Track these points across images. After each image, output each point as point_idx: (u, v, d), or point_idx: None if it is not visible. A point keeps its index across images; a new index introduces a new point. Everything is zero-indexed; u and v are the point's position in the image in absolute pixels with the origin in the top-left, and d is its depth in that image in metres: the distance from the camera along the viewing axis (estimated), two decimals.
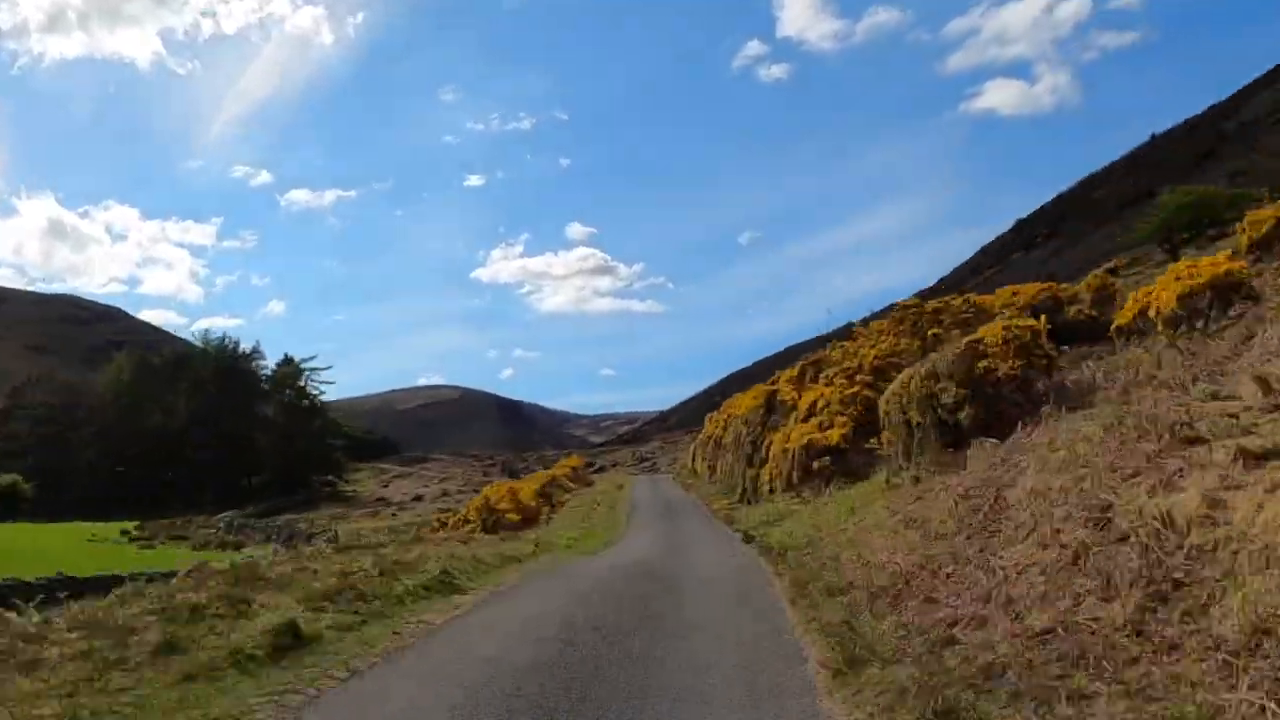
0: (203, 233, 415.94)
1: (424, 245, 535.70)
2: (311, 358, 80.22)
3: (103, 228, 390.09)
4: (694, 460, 38.56)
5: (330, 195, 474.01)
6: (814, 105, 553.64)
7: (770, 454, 22.31)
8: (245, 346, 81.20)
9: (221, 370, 76.66)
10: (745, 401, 30.32)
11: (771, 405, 25.57)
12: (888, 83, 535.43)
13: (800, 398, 22.74)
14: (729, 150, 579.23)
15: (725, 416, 33.43)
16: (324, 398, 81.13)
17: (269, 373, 79.11)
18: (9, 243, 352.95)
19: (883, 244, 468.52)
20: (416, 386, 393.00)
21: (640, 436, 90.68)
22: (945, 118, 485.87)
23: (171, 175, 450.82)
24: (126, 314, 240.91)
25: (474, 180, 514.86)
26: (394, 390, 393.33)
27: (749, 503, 22.75)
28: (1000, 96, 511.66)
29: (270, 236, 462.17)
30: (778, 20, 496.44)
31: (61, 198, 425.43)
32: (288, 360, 77.84)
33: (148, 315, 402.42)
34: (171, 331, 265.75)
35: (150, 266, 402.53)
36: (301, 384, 78.79)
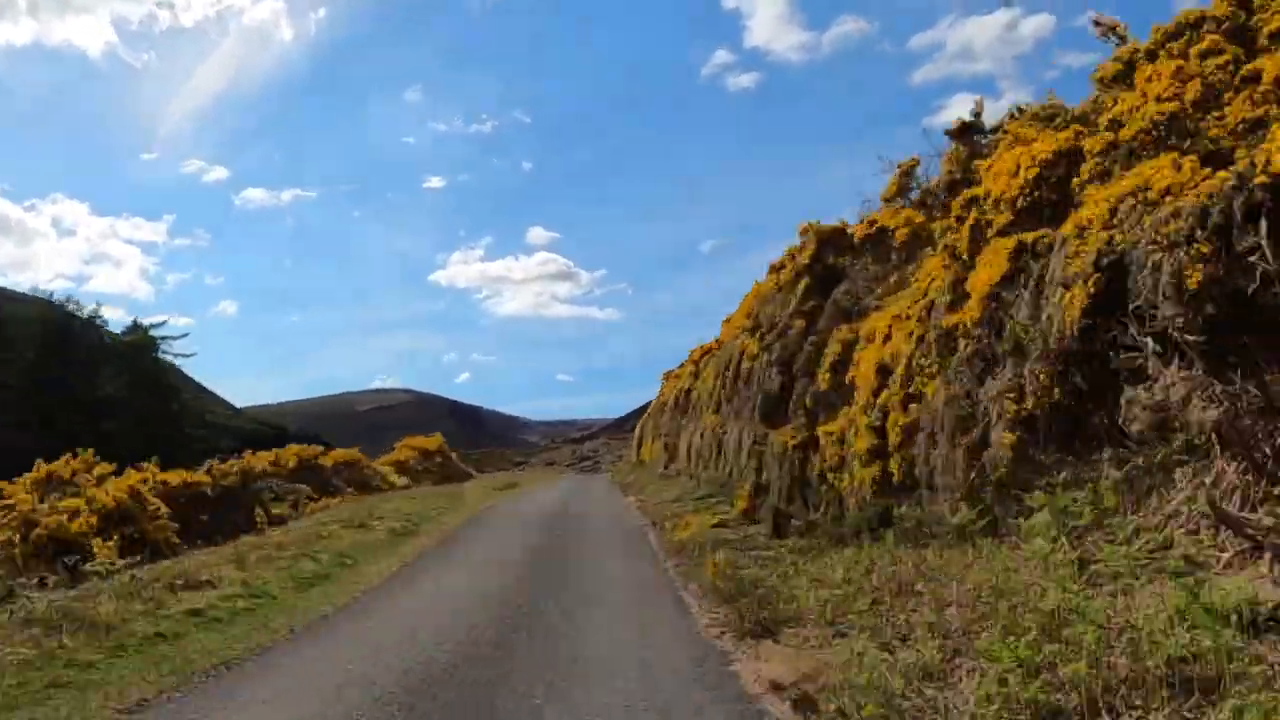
0: (154, 230, 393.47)
1: (382, 247, 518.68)
2: (162, 322, 64.32)
3: (49, 221, 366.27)
4: (641, 445, 23.80)
5: (287, 194, 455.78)
6: (780, 115, 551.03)
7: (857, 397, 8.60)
8: (87, 308, 64.43)
9: (49, 333, 59.65)
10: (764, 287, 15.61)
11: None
12: (853, 94, 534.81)
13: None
14: (694, 158, 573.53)
15: (706, 349, 18.68)
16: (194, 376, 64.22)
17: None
18: None
19: None
20: (371, 389, 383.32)
21: (589, 438, 76.98)
22: (910, 130, 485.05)
23: (123, 170, 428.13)
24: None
25: (434, 182, 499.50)
26: (348, 392, 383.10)
27: (783, 533, 9.11)
28: (963, 110, 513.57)
29: (224, 235, 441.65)
30: (746, 30, 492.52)
31: (6, 189, 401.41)
32: (135, 326, 61.19)
33: (93, 311, 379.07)
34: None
35: (99, 263, 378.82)
36: (157, 356, 62.16)
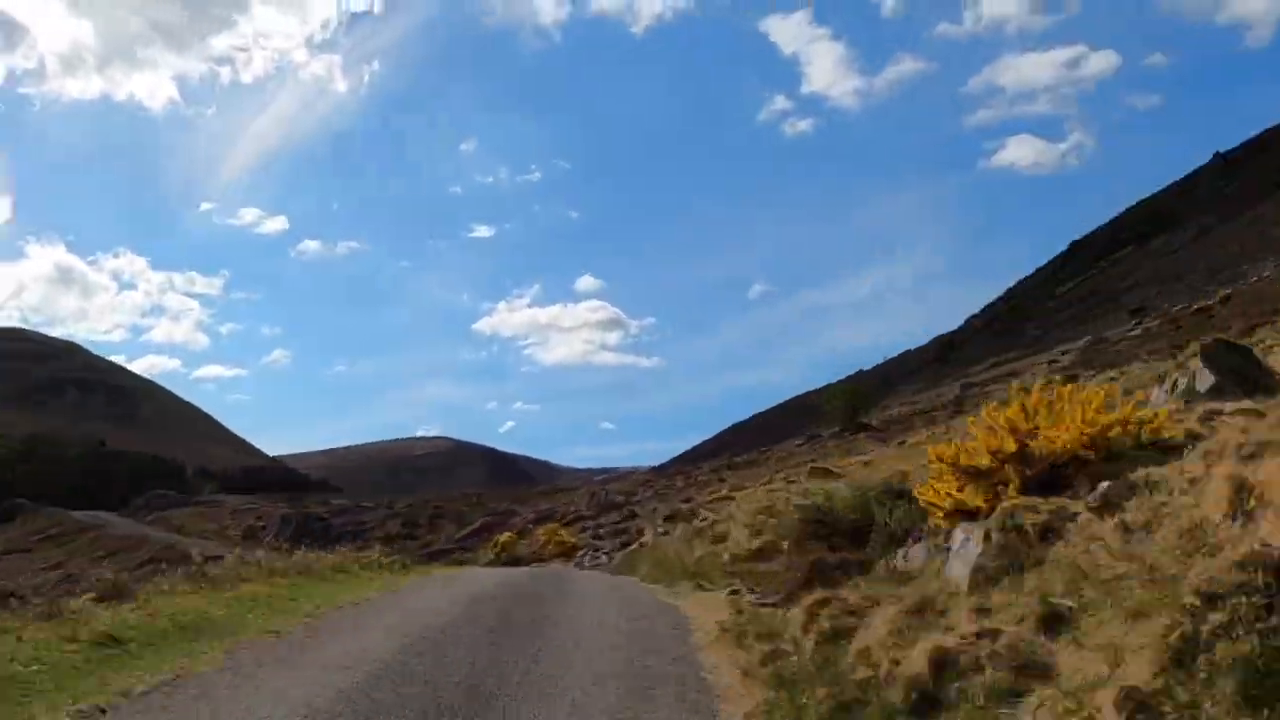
0: (209, 284, 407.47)
1: (429, 296, 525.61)
2: None
3: (110, 275, 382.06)
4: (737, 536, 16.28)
5: (337, 244, 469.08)
6: (835, 159, 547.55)
7: None
8: None
9: None
10: None
11: None
12: (909, 137, 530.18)
13: None
14: (747, 203, 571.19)
15: None
16: None
17: None
18: (10, 286, 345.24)
19: (891, 297, 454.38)
20: (414, 437, 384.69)
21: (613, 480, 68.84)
22: (964, 173, 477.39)
23: (183, 222, 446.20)
24: (84, 351, 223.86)
25: (481, 231, 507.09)
26: (392, 440, 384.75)
27: None
28: (1020, 153, 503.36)
29: (277, 286, 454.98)
30: (803, 76, 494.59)
31: (72, 242, 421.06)
32: None
33: (151, 361, 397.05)
34: (137, 372, 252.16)
35: (157, 315, 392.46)
36: None
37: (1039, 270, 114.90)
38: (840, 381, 46.86)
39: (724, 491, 25.51)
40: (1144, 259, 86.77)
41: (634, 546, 19.53)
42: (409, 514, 44.26)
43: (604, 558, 20.67)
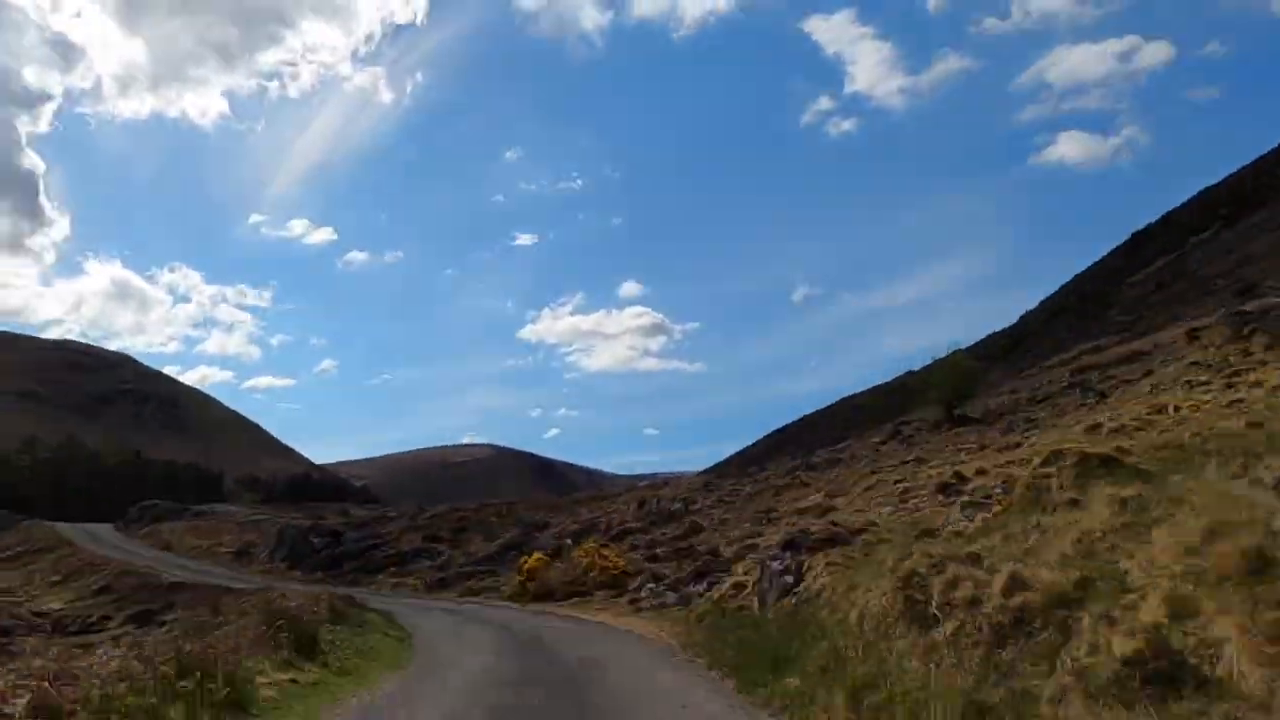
0: (260, 296, 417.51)
1: (473, 304, 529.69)
2: None
3: (165, 289, 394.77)
4: None
5: (383, 254, 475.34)
6: (880, 159, 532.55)
7: None
8: None
9: None
10: None
11: None
12: (955, 136, 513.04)
13: None
14: (790, 206, 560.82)
15: None
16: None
17: None
18: (70, 300, 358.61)
19: (938, 300, 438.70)
20: (459, 444, 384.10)
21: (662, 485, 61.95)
22: (1012, 171, 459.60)
23: (233, 235, 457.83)
24: (135, 363, 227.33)
25: (524, 239, 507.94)
26: (437, 447, 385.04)
27: None
28: (1070, 149, 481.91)
29: (325, 296, 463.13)
30: (847, 76, 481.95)
31: (129, 257, 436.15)
32: None
33: (203, 372, 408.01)
34: (189, 384, 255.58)
35: (209, 327, 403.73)
36: None
37: (1101, 261, 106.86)
38: (941, 361, 39.63)
39: (859, 494, 19.04)
40: (1235, 239, 78.26)
41: (726, 588, 13.09)
42: (432, 526, 38.85)
43: (670, 596, 14.53)
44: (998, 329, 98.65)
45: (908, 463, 27.47)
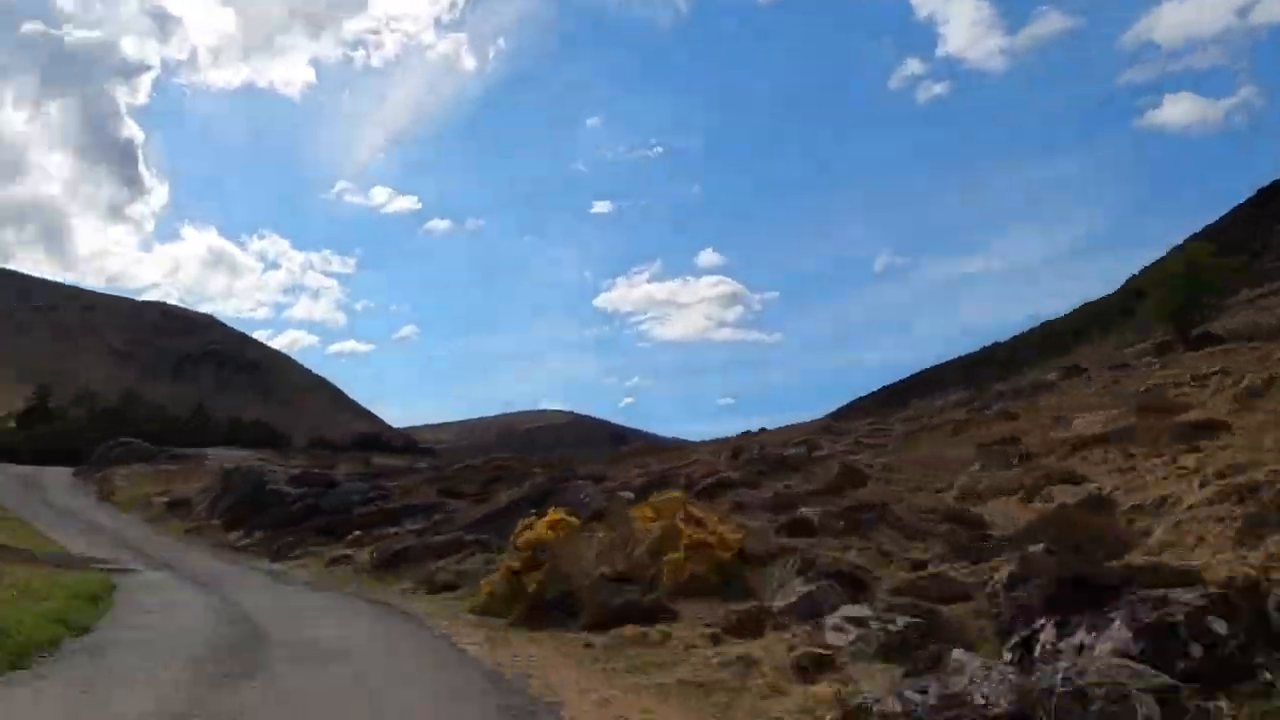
0: (344, 262, 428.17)
1: (550, 272, 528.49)
2: None
3: (256, 256, 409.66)
4: None
5: (464, 222, 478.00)
6: (970, 124, 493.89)
7: None
8: None
9: None
10: None
11: None
12: (1053, 98, 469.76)
13: None
14: (875, 173, 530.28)
15: None
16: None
17: None
18: (167, 266, 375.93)
19: (1028, 269, 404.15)
20: (534, 410, 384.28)
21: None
22: (1113, 135, 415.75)
23: (319, 203, 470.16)
24: (223, 326, 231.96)
25: (602, 207, 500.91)
26: (514, 413, 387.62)
27: None
28: (1178, 111, 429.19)
29: (407, 263, 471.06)
30: (940, 38, 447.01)
31: (222, 225, 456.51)
32: None
33: (292, 336, 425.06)
34: (278, 348, 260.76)
35: (297, 293, 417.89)
36: None
37: (1229, 215, 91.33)
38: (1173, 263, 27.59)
39: None
40: None
41: None
42: (458, 478, 29.74)
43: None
44: (1088, 300, 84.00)
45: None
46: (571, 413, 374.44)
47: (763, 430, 32.70)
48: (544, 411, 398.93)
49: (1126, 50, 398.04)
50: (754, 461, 23.06)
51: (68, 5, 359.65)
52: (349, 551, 15.44)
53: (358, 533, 17.21)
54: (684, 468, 22.92)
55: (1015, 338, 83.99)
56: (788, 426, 35.83)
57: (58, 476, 29.86)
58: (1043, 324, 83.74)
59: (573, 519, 10.83)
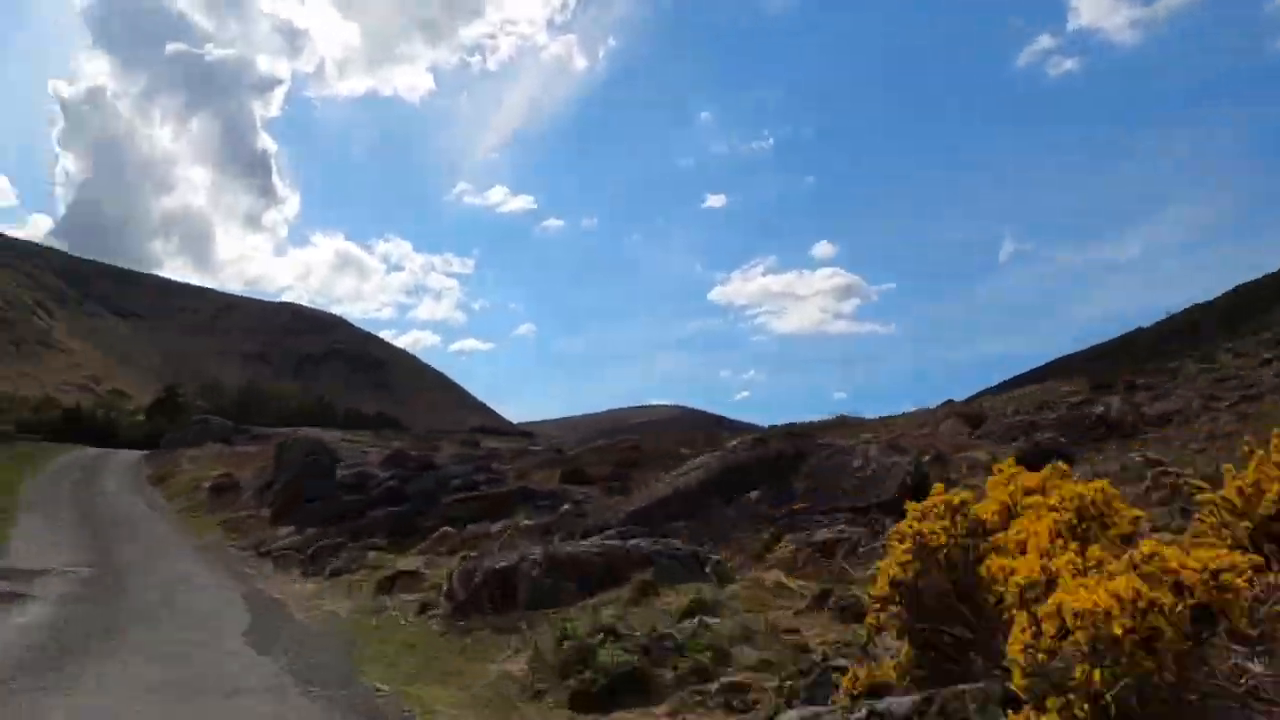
0: (464, 263, 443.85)
1: (662, 267, 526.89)
2: None
3: (380, 259, 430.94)
4: None
5: (579, 220, 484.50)
6: (1104, 101, 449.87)
7: None
8: None
9: None
10: None
11: None
12: (1194, 72, 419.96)
13: None
14: (1000, 156, 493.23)
15: None
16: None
17: None
18: (299, 270, 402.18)
19: (1165, 254, 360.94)
20: (646, 405, 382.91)
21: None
22: (1262, 109, 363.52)
23: (439, 206, 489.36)
24: (349, 326, 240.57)
25: (715, 201, 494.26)
26: (625, 408, 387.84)
27: None
28: None
29: (523, 262, 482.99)
30: (1071, 11, 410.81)
31: (349, 230, 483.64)
32: None
33: (415, 336, 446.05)
34: (402, 347, 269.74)
35: (420, 294, 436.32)
36: None
37: None
38: None
39: None
40: None
41: None
42: (582, 460, 23.63)
43: None
44: (1228, 289, 71.63)
45: None
46: (680, 406, 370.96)
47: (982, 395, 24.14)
48: (652, 406, 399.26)
49: (1274, 15, 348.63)
50: (1030, 426, 14.94)
51: (207, 25, 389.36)
52: (422, 562, 9.04)
53: (446, 529, 10.79)
54: (924, 434, 15.16)
55: (1160, 322, 74.63)
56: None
57: (126, 458, 26.00)
58: (1186, 310, 74.45)
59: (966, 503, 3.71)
